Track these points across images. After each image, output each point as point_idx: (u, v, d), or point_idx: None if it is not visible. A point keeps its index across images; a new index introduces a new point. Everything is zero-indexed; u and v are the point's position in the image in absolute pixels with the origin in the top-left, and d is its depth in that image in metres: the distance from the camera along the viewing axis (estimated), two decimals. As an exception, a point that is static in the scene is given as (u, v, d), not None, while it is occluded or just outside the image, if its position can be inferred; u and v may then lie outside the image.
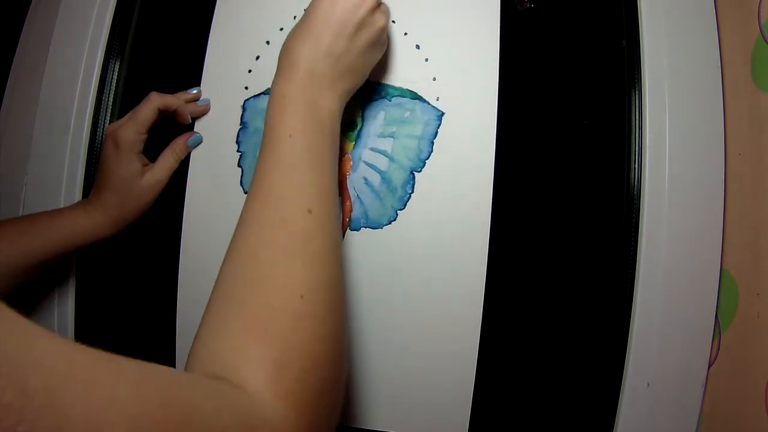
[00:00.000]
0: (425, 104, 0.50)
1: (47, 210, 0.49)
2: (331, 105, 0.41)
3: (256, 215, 0.36)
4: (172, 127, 0.53)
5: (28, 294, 0.55)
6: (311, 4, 0.41)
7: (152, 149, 0.51)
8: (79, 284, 0.54)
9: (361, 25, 0.41)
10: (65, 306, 0.54)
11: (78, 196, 0.54)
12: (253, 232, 0.35)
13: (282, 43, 0.42)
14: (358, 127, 0.50)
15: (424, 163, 0.49)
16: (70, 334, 0.54)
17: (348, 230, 0.50)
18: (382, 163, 0.50)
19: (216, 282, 0.34)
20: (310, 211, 0.36)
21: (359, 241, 0.50)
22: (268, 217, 0.35)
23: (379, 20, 0.42)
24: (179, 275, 0.52)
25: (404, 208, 0.49)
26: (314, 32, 0.40)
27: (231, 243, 0.36)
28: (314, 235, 0.35)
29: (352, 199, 0.50)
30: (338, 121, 0.42)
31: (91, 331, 0.55)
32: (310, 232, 0.35)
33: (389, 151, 0.50)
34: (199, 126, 0.53)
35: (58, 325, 0.54)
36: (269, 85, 0.51)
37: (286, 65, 0.40)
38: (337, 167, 0.41)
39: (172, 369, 0.26)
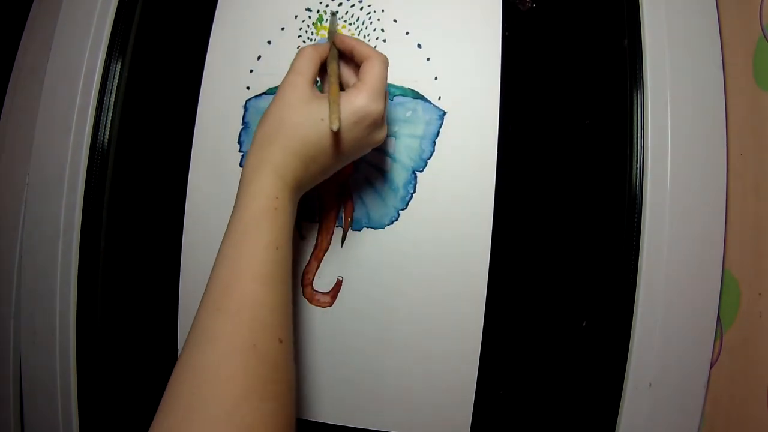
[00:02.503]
0: (427, 104, 0.50)
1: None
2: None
3: (221, 331, 0.31)
4: (171, 132, 0.54)
5: (30, 293, 0.55)
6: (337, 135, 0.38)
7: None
8: (81, 284, 0.54)
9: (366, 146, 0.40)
10: (67, 305, 0.54)
11: (80, 196, 0.54)
12: (216, 355, 0.30)
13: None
14: (360, 127, 0.50)
15: (426, 163, 0.49)
16: (71, 333, 0.54)
17: (350, 230, 0.50)
18: (384, 162, 0.50)
19: (162, 405, 0.30)
20: (281, 341, 0.32)
21: (361, 241, 0.50)
22: (237, 338, 0.30)
23: (377, 137, 0.41)
24: (180, 275, 0.52)
25: (406, 208, 0.49)
26: (318, 157, 0.38)
27: (184, 356, 0.31)
28: (283, 371, 0.31)
29: (354, 199, 0.50)
30: None
31: (93, 332, 0.55)
32: (280, 367, 0.31)
33: (391, 150, 0.50)
34: (200, 126, 0.53)
35: (59, 323, 0.54)
36: (271, 85, 0.52)
37: (284, 168, 0.37)
38: None
39: None
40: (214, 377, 0.29)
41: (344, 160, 0.41)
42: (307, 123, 0.37)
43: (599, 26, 0.52)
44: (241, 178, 0.38)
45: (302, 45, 0.52)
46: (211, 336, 0.31)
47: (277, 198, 0.36)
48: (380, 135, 0.41)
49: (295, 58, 0.40)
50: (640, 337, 0.47)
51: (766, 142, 0.44)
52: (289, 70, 0.40)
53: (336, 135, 0.37)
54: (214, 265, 0.35)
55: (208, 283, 0.34)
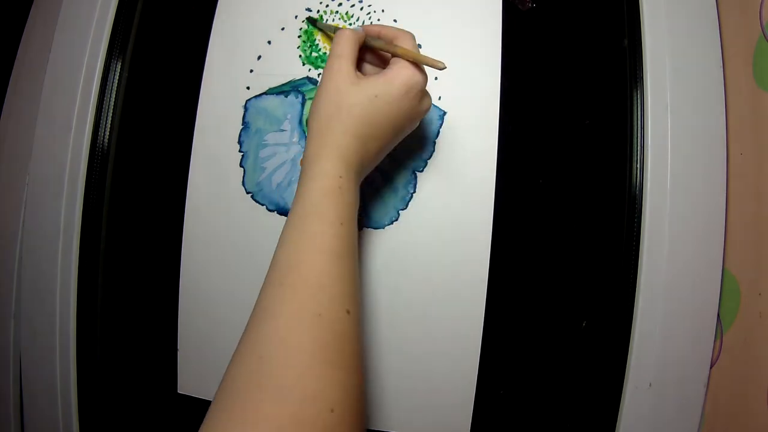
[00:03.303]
0: (427, 104, 0.50)
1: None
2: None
3: (287, 302, 0.31)
4: (171, 131, 0.54)
5: (30, 293, 0.55)
6: (382, 100, 0.38)
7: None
8: (81, 284, 0.54)
9: (414, 118, 0.41)
10: (67, 305, 0.54)
11: (80, 196, 0.54)
12: (282, 325, 0.30)
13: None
14: (360, 127, 0.50)
15: (426, 163, 0.49)
16: (71, 333, 0.54)
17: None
18: (383, 162, 0.50)
19: (227, 376, 0.30)
20: (348, 312, 0.32)
21: (361, 241, 0.50)
22: (303, 308, 0.31)
23: (425, 106, 0.42)
24: (180, 275, 0.52)
25: (406, 208, 0.49)
26: (376, 134, 0.39)
27: (249, 330, 0.31)
28: (349, 341, 0.31)
29: (353, 198, 0.50)
30: None
31: (93, 332, 0.55)
32: (347, 336, 0.31)
33: (391, 150, 0.50)
34: (200, 126, 0.53)
35: (59, 323, 0.54)
36: (271, 85, 0.52)
37: (346, 149, 0.38)
38: None
39: None
40: (278, 347, 0.30)
41: (400, 134, 0.42)
42: (362, 103, 0.38)
43: (599, 26, 0.52)
44: (302, 166, 0.38)
45: (302, 45, 0.52)
46: (275, 309, 0.31)
47: (341, 177, 0.36)
48: (427, 103, 0.42)
49: (334, 42, 0.40)
50: (640, 337, 0.47)
51: (766, 142, 0.44)
52: (331, 54, 0.40)
53: (391, 109, 0.39)
54: (278, 246, 0.35)
55: (271, 263, 0.34)
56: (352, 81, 0.38)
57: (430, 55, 0.40)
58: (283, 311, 0.31)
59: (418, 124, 0.44)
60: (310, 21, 0.51)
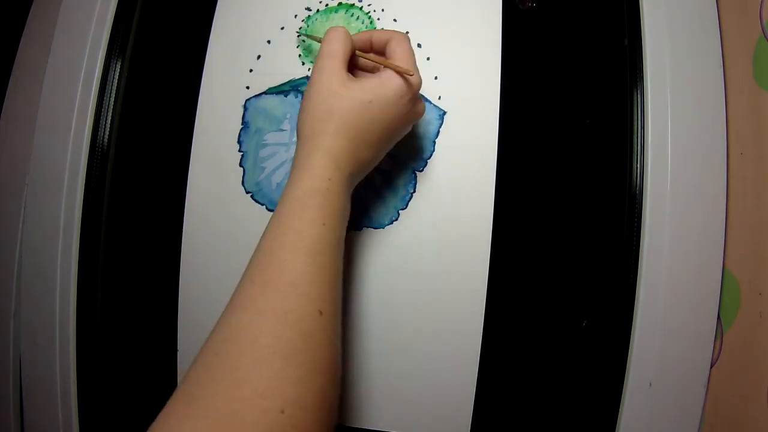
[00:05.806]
0: (427, 103, 0.50)
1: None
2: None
3: (255, 298, 0.31)
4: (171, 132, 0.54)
5: (30, 293, 0.55)
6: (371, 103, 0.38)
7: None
8: (81, 284, 0.54)
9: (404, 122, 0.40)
10: (67, 305, 0.54)
11: (79, 196, 0.54)
12: (245, 320, 0.30)
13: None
14: (360, 127, 0.50)
15: (426, 163, 0.49)
16: (71, 333, 0.54)
17: (350, 230, 0.50)
18: (383, 162, 0.50)
19: (194, 362, 0.29)
20: (321, 313, 0.31)
21: (361, 240, 0.50)
22: (270, 304, 0.30)
23: (419, 109, 0.41)
24: (180, 275, 0.52)
25: (406, 208, 0.49)
26: (369, 139, 0.38)
27: (219, 320, 0.31)
28: (319, 342, 0.30)
29: (353, 198, 0.50)
30: None
31: (93, 332, 0.55)
32: (316, 337, 0.30)
33: (391, 150, 0.50)
34: (199, 126, 0.53)
35: (59, 324, 0.54)
36: (270, 85, 0.52)
37: (338, 153, 0.37)
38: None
39: None
40: (234, 341, 0.29)
41: (393, 139, 0.41)
42: (355, 108, 0.37)
43: (599, 26, 0.52)
44: (292, 167, 0.37)
45: (302, 45, 0.52)
46: (244, 302, 0.31)
47: (329, 180, 0.35)
48: (421, 107, 0.42)
49: (325, 40, 0.39)
50: (640, 337, 0.47)
51: (766, 142, 0.44)
52: (322, 53, 0.38)
53: (384, 115, 0.38)
54: (259, 242, 0.35)
55: (251, 258, 0.34)
56: (344, 83, 0.37)
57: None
58: (248, 308, 0.31)
59: (410, 128, 0.43)
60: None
